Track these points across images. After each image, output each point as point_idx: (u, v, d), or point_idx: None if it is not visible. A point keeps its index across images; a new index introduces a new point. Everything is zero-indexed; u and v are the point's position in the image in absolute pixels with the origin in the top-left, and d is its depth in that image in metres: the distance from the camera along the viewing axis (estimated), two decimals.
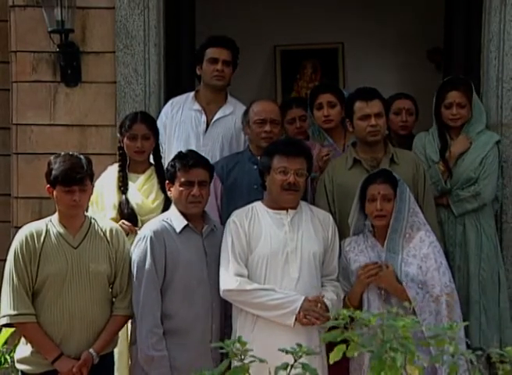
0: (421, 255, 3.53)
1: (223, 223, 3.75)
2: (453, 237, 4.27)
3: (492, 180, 4.26)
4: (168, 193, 3.59)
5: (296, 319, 3.40)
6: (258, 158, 4.01)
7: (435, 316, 3.41)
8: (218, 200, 4.03)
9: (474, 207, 4.23)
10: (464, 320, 3.82)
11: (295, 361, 1.79)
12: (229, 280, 3.46)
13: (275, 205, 3.60)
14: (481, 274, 4.22)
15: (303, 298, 3.43)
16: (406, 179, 3.75)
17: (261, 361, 1.87)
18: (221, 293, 3.50)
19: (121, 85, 4.73)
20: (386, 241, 3.56)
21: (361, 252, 3.62)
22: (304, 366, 1.78)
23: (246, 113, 4.12)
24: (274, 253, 3.50)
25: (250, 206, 3.64)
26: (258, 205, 3.64)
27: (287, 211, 3.59)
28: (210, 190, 3.93)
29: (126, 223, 3.83)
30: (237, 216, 3.58)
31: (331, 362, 1.91)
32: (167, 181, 3.57)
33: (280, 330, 3.40)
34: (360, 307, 3.49)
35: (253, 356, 1.87)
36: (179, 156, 3.54)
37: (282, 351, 1.85)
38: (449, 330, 1.89)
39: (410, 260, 3.53)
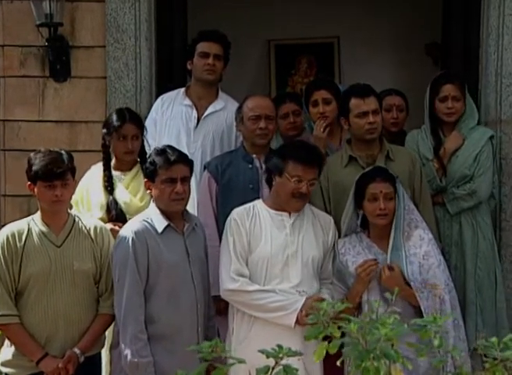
0: (422, 252, 3.52)
1: (221, 224, 3.72)
2: (449, 236, 4.25)
3: (488, 177, 4.23)
4: (148, 192, 3.52)
5: (296, 321, 3.38)
6: (253, 156, 3.99)
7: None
8: (214, 201, 3.99)
9: (469, 205, 4.21)
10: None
11: (276, 363, 1.77)
12: (230, 279, 3.44)
13: (278, 207, 3.57)
14: (477, 273, 4.21)
15: (303, 299, 3.41)
16: (402, 176, 3.74)
17: (240, 362, 1.85)
18: (221, 293, 3.49)
19: (111, 80, 4.70)
20: (391, 240, 3.53)
21: (359, 254, 3.59)
22: (285, 368, 1.76)
23: (239, 110, 4.07)
24: (274, 255, 3.48)
25: (250, 205, 3.61)
26: (259, 204, 3.61)
27: (290, 213, 3.56)
28: (205, 191, 3.89)
29: (118, 224, 3.78)
30: (238, 215, 3.55)
31: (316, 361, 1.90)
32: (146, 179, 3.49)
33: (278, 332, 3.37)
34: (358, 308, 3.47)
35: (232, 357, 1.84)
36: (158, 153, 3.46)
37: (261, 352, 1.83)
38: (433, 323, 1.87)
39: (412, 258, 3.51)
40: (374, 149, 3.95)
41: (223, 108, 4.36)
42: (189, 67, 4.40)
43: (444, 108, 4.23)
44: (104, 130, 4.01)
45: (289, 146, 3.72)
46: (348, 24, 6.74)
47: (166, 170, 3.38)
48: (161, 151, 3.45)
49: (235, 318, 3.52)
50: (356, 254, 3.59)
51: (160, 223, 3.39)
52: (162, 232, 3.38)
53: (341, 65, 6.96)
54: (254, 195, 3.81)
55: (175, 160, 3.40)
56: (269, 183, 3.62)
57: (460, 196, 4.20)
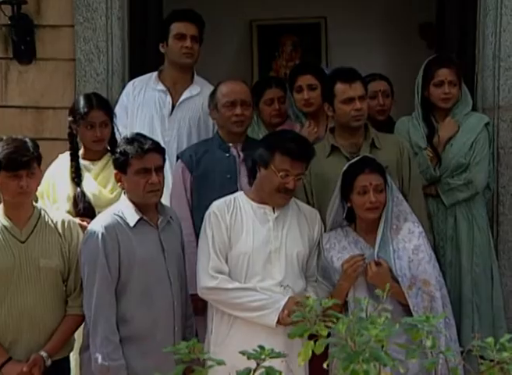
0: (411, 247, 3.53)
1: (196, 218, 3.72)
2: (444, 230, 4.27)
3: (484, 165, 4.25)
4: (119, 184, 3.50)
5: (278, 320, 3.38)
6: (230, 144, 3.98)
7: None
8: (188, 193, 3.99)
9: (466, 196, 4.23)
10: (457, 320, 3.85)
11: (257, 365, 1.77)
12: (208, 277, 3.44)
13: (261, 200, 3.57)
14: (474, 270, 4.23)
15: (286, 298, 3.42)
16: (389, 165, 3.74)
17: (219, 363, 1.85)
18: (198, 291, 3.50)
19: (81, 63, 4.68)
20: (380, 233, 3.54)
21: (344, 249, 3.60)
22: (268, 370, 1.76)
23: (212, 96, 4.06)
24: (256, 251, 3.49)
25: (231, 197, 3.61)
26: (241, 197, 3.61)
27: (273, 207, 3.57)
28: (178, 182, 3.88)
29: (86, 220, 3.76)
30: (218, 208, 3.54)
31: (301, 363, 1.89)
32: (116, 171, 3.47)
33: (259, 332, 3.38)
34: (344, 306, 3.48)
35: (210, 359, 1.84)
36: (128, 141, 3.43)
37: (242, 354, 1.83)
38: (426, 323, 1.87)
39: (401, 253, 3.52)
40: (358, 137, 3.96)
41: (199, 93, 4.35)
42: (162, 50, 4.38)
43: (440, 94, 4.24)
44: (70, 118, 3.99)
45: (277, 136, 3.72)
46: (336, 3, 6.73)
47: (139, 160, 3.36)
48: (132, 140, 3.43)
49: (214, 318, 3.53)
50: (341, 249, 3.60)
51: (132, 217, 3.38)
52: (135, 226, 3.37)
53: (328, 47, 6.97)
54: (232, 186, 3.82)
55: (148, 149, 3.38)
56: (253, 174, 3.62)
57: (456, 186, 4.21)
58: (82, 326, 3.45)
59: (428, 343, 1.87)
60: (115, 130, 4.07)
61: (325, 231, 3.67)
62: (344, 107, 3.90)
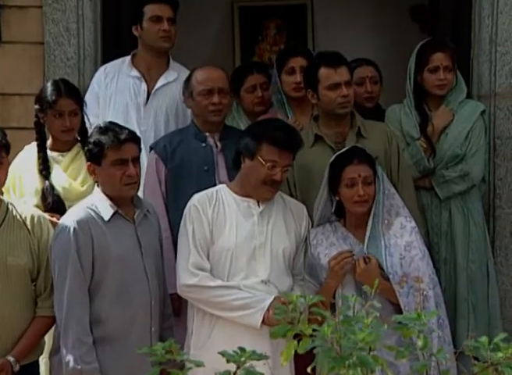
0: (403, 243, 3.56)
1: (172, 212, 3.75)
2: (438, 225, 4.29)
3: (481, 156, 4.28)
4: (92, 176, 3.51)
5: (263, 321, 3.40)
6: (206, 134, 3.99)
7: None
8: (163, 186, 4.00)
9: (461, 189, 4.26)
10: (452, 320, 3.89)
11: (238, 368, 1.78)
12: (188, 274, 3.46)
13: (245, 193, 3.59)
14: (469, 267, 4.25)
15: (272, 297, 3.43)
16: (377, 155, 3.73)
17: (198, 365, 1.87)
18: (178, 289, 3.51)
19: (50, 46, 4.67)
20: (369, 228, 3.57)
21: (332, 245, 3.62)
22: (248, 372, 1.78)
23: (187, 83, 4.07)
24: (239, 246, 3.50)
25: (213, 189, 3.62)
26: (223, 189, 3.62)
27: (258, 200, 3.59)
28: (152, 174, 3.89)
29: (56, 216, 3.76)
30: (199, 201, 3.56)
31: (284, 363, 1.91)
32: (89, 163, 3.47)
33: (243, 334, 3.40)
34: (332, 307, 3.50)
35: (189, 360, 1.86)
36: (102, 131, 3.45)
37: (222, 355, 1.85)
38: (417, 321, 1.88)
39: (392, 249, 3.55)
40: (344, 126, 3.98)
41: (176, 79, 4.36)
42: (136, 33, 4.39)
43: (435, 80, 4.26)
44: (37, 106, 4.00)
45: (264, 125, 3.74)
46: None
47: (116, 151, 3.38)
48: (106, 129, 3.44)
49: (194, 319, 3.54)
50: (329, 245, 3.63)
51: (106, 210, 3.39)
52: (109, 220, 3.38)
53: (315, 30, 6.96)
54: (209, 178, 3.84)
55: (125, 139, 3.40)
56: (236, 165, 3.64)
57: (451, 179, 4.24)
58: (52, 328, 3.46)
59: (420, 343, 1.88)
60: (86, 119, 4.08)
61: (312, 226, 3.70)
62: (329, 93, 3.91)
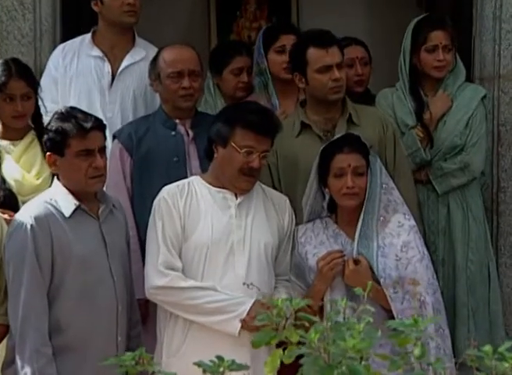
0: (400, 243, 3.57)
1: (137, 208, 3.75)
2: (436, 222, 4.31)
3: (482, 146, 4.29)
4: (52, 168, 3.49)
5: (242, 327, 3.39)
6: (176, 121, 3.98)
7: None
8: (128, 180, 4.00)
9: (461, 182, 4.27)
10: (451, 327, 3.89)
11: None
12: (157, 274, 3.46)
13: (221, 185, 3.58)
14: (469, 267, 4.26)
15: (252, 300, 3.43)
16: (371, 144, 3.73)
17: None
18: (146, 292, 3.52)
19: (2, 22, 4.64)
20: (359, 225, 3.57)
21: (322, 244, 3.63)
22: None
23: (153, 64, 4.05)
24: (215, 242, 3.51)
25: (185, 181, 3.63)
26: (196, 181, 3.63)
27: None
28: (116, 166, 3.87)
29: (8, 212, 3.71)
30: (169, 193, 3.56)
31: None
32: (49, 153, 3.44)
33: (220, 340, 3.40)
34: (321, 310, 3.50)
35: (161, 372, 1.85)
36: (64, 117, 3.42)
37: (197, 365, 1.83)
38: (414, 327, 1.87)
39: (387, 250, 3.55)
40: (334, 112, 3.98)
41: (144, 58, 4.35)
42: (96, 8, 4.37)
43: (433, 61, 4.26)
44: None
45: (237, 109, 3.74)
46: None
47: (81, 140, 3.36)
48: (69, 115, 3.42)
49: (166, 325, 3.54)
50: (318, 244, 3.63)
51: (68, 205, 3.38)
52: (71, 216, 3.37)
53: (300, 5, 6.96)
54: (180, 170, 3.86)
55: (92, 127, 3.38)
56: (209, 156, 3.62)
57: (450, 171, 4.25)
58: (6, 337, 3.44)
59: (416, 351, 1.88)
60: (40, 103, 4.05)
61: (298, 222, 3.69)
62: (320, 77, 3.90)
